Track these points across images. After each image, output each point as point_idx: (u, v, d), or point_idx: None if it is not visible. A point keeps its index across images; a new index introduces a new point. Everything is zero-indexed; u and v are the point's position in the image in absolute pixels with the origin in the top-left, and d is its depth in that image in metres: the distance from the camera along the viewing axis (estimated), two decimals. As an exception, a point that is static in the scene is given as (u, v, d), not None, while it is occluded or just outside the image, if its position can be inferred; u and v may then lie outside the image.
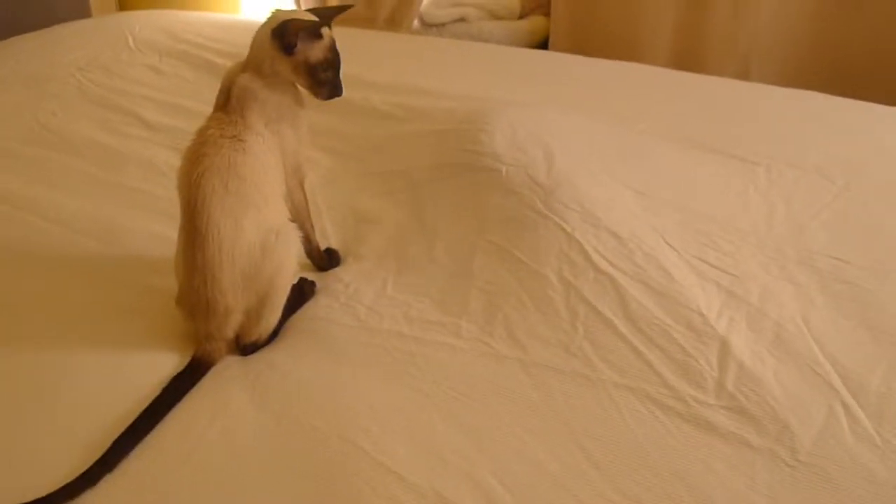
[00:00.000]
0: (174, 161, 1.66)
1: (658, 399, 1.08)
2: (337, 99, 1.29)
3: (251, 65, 1.25)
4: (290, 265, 1.22)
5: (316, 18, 1.25)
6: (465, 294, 1.30)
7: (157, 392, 1.08)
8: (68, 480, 0.94)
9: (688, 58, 2.72)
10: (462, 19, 3.00)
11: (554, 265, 1.33)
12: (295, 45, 1.22)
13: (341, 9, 1.35)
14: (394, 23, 2.99)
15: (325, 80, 1.26)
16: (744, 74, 2.64)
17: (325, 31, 1.25)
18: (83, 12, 2.99)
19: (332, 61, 1.27)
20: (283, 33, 1.21)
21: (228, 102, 1.22)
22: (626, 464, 0.98)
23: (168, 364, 1.15)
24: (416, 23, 3.03)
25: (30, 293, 1.33)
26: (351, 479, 0.95)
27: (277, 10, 1.30)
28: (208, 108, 1.28)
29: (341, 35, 1.28)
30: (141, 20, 2.64)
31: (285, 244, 1.20)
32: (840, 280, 1.30)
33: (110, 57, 2.33)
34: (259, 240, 1.16)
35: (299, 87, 1.29)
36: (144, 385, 1.10)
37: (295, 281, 1.27)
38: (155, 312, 1.25)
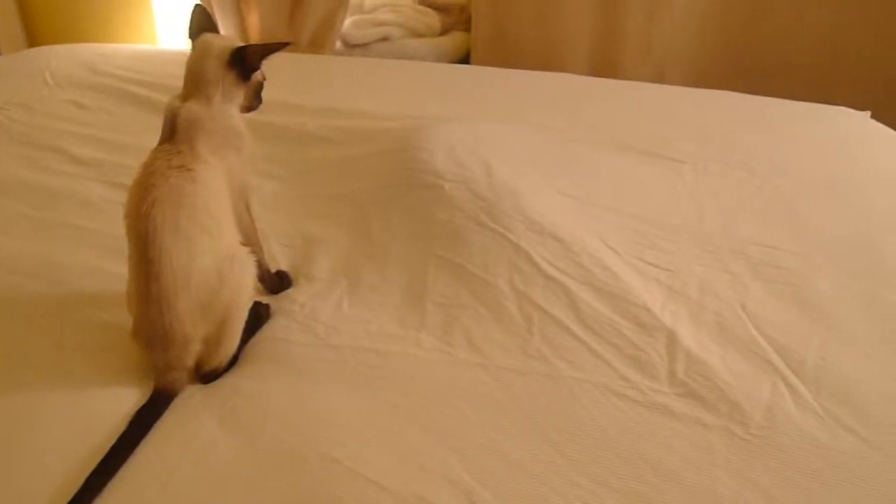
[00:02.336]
0: (108, 195, 1.66)
1: (616, 390, 1.13)
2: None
3: (193, 93, 1.25)
4: (246, 290, 1.22)
5: (239, 42, 1.29)
6: (422, 308, 1.32)
7: (122, 427, 1.06)
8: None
9: (605, 64, 2.80)
10: (385, 39, 3.02)
11: (504, 275, 1.37)
12: (256, 69, 1.27)
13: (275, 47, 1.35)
14: (316, 45, 2.99)
15: (260, 96, 1.34)
16: (659, 77, 2.73)
17: None
18: (-9, 50, 2.90)
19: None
20: (244, 59, 1.25)
21: (175, 133, 1.21)
22: (593, 451, 1.02)
23: (130, 398, 1.13)
24: (338, 44, 3.05)
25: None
26: (333, 494, 0.95)
27: (208, 35, 1.30)
28: (136, 141, 1.28)
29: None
30: (56, 55, 2.57)
31: (241, 269, 1.20)
32: (771, 265, 1.39)
33: (30, 94, 2.27)
34: (214, 266, 1.16)
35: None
36: (109, 421, 1.07)
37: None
38: (109, 348, 1.22)
